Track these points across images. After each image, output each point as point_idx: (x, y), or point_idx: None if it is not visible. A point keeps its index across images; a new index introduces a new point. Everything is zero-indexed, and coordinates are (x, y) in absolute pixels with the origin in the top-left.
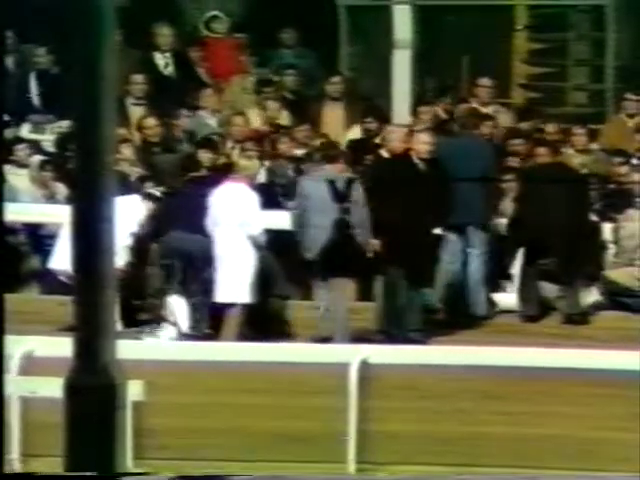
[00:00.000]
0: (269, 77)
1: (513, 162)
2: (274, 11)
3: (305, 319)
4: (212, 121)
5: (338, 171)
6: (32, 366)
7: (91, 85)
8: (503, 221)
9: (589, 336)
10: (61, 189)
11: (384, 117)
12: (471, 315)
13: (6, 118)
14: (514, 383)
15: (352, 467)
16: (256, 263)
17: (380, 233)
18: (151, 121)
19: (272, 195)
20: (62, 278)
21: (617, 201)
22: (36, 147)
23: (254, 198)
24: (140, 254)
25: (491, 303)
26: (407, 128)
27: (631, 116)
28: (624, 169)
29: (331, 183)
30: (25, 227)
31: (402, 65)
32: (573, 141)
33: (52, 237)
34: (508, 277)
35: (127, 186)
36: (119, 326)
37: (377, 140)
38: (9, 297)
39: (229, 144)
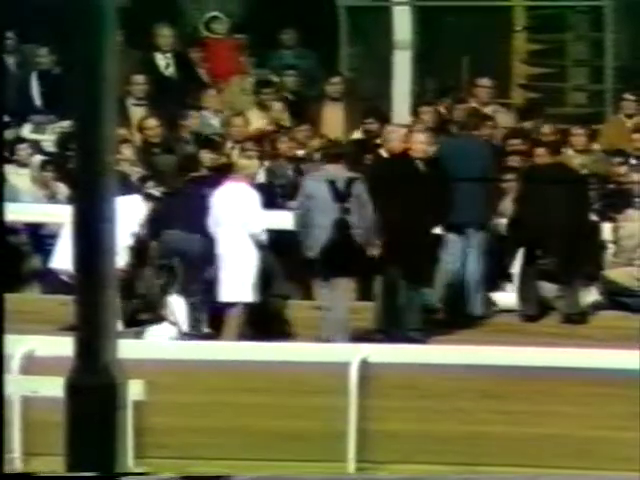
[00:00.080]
0: (269, 78)
1: (513, 162)
2: (274, 12)
3: (305, 319)
4: (215, 121)
5: (339, 171)
6: (33, 366)
7: (92, 85)
8: (503, 221)
9: (588, 335)
10: (62, 189)
11: (384, 117)
12: (470, 315)
13: (7, 118)
14: (513, 382)
15: (352, 466)
16: (257, 263)
17: (380, 233)
18: (152, 121)
19: (272, 195)
20: (63, 278)
21: (616, 201)
22: (37, 147)
23: (255, 197)
24: (141, 254)
25: (491, 303)
26: (406, 128)
27: (630, 116)
28: (623, 169)
29: (332, 183)
30: (26, 227)
31: (402, 66)
32: (572, 141)
33: (53, 237)
34: (508, 277)
35: (128, 186)
36: (120, 326)
37: (377, 140)
38: (10, 297)
39: (229, 144)
